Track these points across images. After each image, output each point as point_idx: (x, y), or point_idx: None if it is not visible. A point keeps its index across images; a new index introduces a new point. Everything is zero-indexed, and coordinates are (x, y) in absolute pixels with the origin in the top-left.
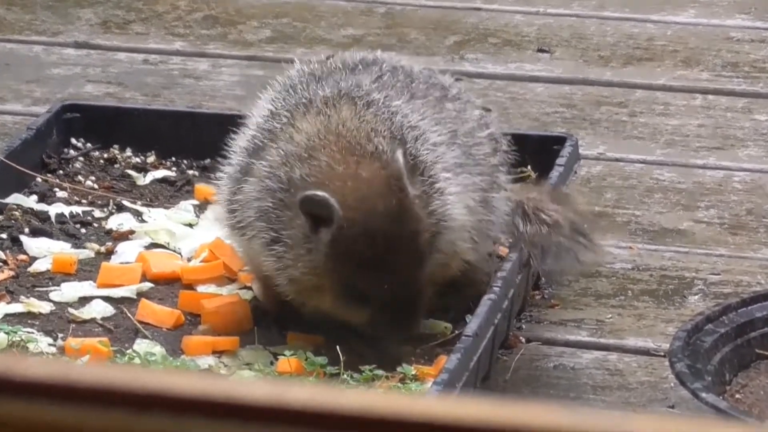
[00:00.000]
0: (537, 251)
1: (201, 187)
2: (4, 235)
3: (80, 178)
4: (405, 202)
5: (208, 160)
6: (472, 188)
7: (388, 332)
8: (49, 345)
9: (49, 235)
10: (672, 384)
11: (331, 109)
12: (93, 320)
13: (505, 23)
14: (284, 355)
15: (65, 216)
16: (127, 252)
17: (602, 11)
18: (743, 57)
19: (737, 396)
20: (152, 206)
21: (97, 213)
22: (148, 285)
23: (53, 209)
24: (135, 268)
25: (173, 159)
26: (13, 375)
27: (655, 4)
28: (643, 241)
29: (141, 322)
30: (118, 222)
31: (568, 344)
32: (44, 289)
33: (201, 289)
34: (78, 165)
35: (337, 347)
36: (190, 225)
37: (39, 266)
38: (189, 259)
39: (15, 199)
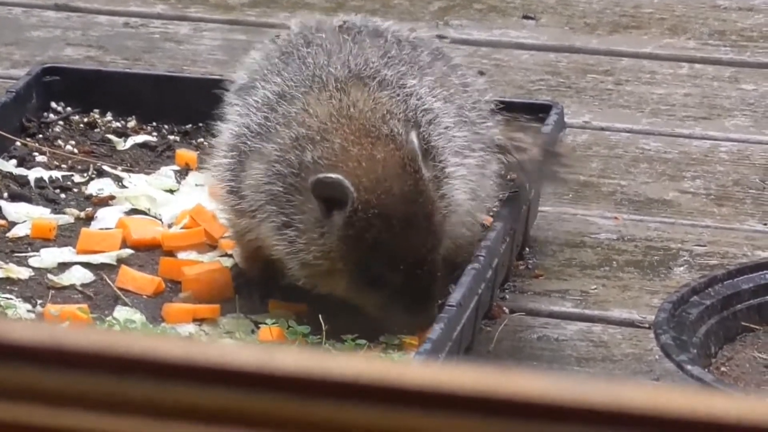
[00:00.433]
0: (524, 174)
1: (182, 153)
2: None
3: (60, 142)
4: (420, 185)
5: (189, 126)
6: (475, 170)
7: (403, 317)
8: (28, 311)
9: (29, 200)
10: (657, 356)
11: (342, 91)
12: (72, 286)
13: None
14: (266, 323)
15: (45, 181)
16: (107, 218)
17: None
18: (730, 25)
19: (722, 369)
20: (133, 171)
21: (77, 178)
22: (128, 251)
23: (32, 174)
24: (115, 234)
25: (154, 124)
26: (4, 339)
27: None
28: (629, 211)
29: (121, 289)
30: (98, 187)
31: (552, 315)
32: (23, 254)
33: (182, 255)
34: (58, 129)
35: (320, 316)
36: (171, 191)
37: (18, 231)
38: (170, 226)
39: None
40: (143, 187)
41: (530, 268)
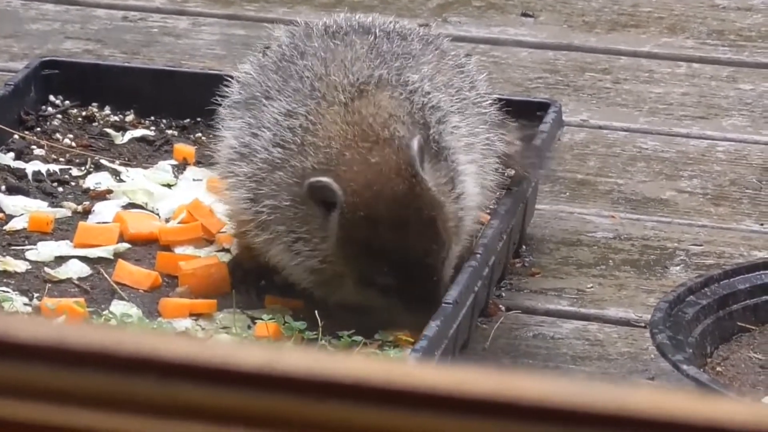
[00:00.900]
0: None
1: (180, 147)
2: None
3: (58, 135)
4: (416, 189)
5: (187, 120)
6: (480, 160)
7: (406, 319)
8: (25, 304)
9: (26, 193)
10: (652, 355)
11: (345, 100)
12: (69, 280)
13: None
14: (262, 319)
15: (42, 174)
16: (104, 212)
17: None
18: (729, 25)
19: (718, 369)
20: (130, 165)
21: (75, 171)
22: (125, 246)
23: (30, 167)
24: (112, 228)
25: (152, 118)
26: (4, 336)
27: None
28: (626, 210)
29: (118, 283)
30: (96, 181)
31: (548, 313)
32: (20, 247)
33: (179, 250)
34: (56, 122)
35: (316, 312)
36: (169, 185)
37: (15, 224)
38: (167, 220)
39: None
40: (141, 182)
41: (527, 266)
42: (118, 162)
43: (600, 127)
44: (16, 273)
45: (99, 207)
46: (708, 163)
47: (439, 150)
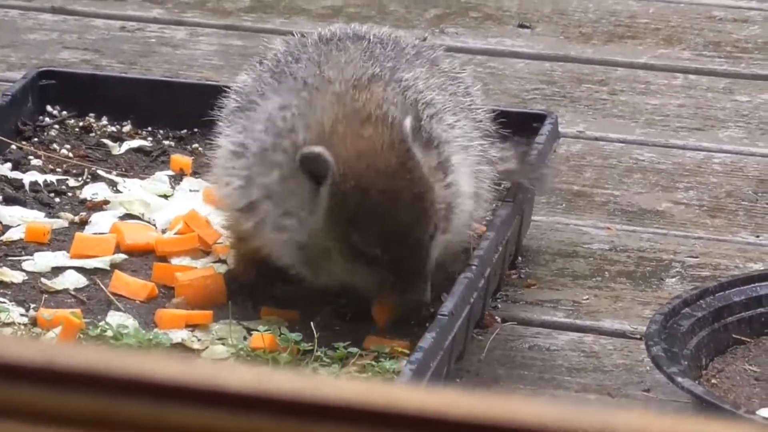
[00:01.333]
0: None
1: (177, 158)
2: None
3: (55, 146)
4: (408, 164)
5: (184, 131)
6: (473, 170)
7: (393, 295)
8: (21, 315)
9: (23, 204)
10: (648, 367)
11: (338, 90)
12: (66, 291)
13: None
14: (258, 330)
15: (39, 184)
16: (101, 222)
17: None
18: (725, 36)
19: (713, 381)
20: (127, 176)
21: (72, 182)
22: (121, 256)
23: (27, 177)
24: (109, 239)
25: (149, 129)
26: None
27: None
28: (622, 221)
29: (114, 294)
30: (93, 192)
31: (543, 325)
32: (17, 258)
33: (175, 261)
34: (53, 133)
35: (311, 323)
36: (165, 196)
37: (12, 235)
38: (163, 231)
39: None
40: (137, 192)
41: (522, 278)
42: (115, 172)
43: (596, 139)
44: (12, 283)
45: (96, 217)
46: (704, 175)
47: (430, 139)
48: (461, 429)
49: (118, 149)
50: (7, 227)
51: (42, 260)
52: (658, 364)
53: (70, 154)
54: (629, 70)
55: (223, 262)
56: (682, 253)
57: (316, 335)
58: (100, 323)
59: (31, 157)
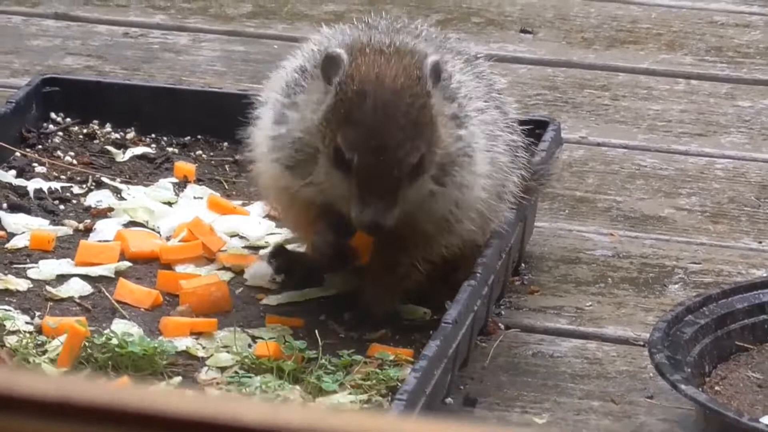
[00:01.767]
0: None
1: (181, 165)
2: None
3: (59, 153)
4: (415, 89)
5: (188, 138)
6: (500, 158)
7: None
8: (26, 323)
9: (27, 211)
10: (651, 374)
11: (382, 31)
12: (71, 299)
13: (488, 2)
14: (263, 338)
15: (44, 192)
16: (105, 230)
17: None
18: (727, 41)
19: (716, 388)
20: (131, 183)
21: (76, 189)
22: (126, 264)
23: (32, 184)
24: (113, 246)
25: (153, 135)
26: (14, 391)
27: None
28: (624, 227)
29: (119, 302)
30: (97, 199)
31: (547, 332)
32: (22, 265)
33: (179, 269)
34: (57, 140)
35: (316, 331)
36: (169, 203)
37: (17, 242)
38: (167, 239)
39: None
40: (141, 199)
41: (526, 284)
42: (119, 179)
43: (599, 144)
44: (17, 291)
45: (100, 225)
46: (706, 181)
47: (453, 96)
48: None
49: (121, 156)
50: (11, 235)
51: (47, 268)
52: (661, 371)
53: (74, 162)
54: (631, 76)
55: (228, 269)
56: (685, 259)
57: (320, 343)
58: (105, 331)
59: (35, 164)
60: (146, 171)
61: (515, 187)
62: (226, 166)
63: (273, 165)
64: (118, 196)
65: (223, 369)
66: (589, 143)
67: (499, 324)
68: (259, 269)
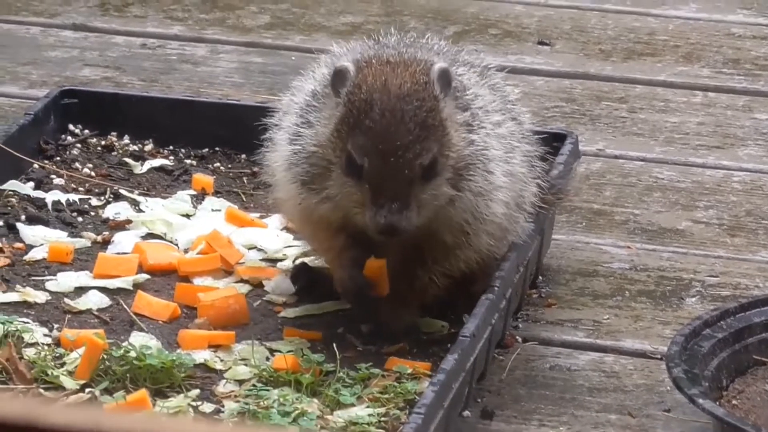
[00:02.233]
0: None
1: (199, 177)
2: (0, 222)
3: (77, 165)
4: (422, 93)
5: (206, 150)
6: (519, 169)
7: (381, 209)
8: (45, 335)
9: (46, 223)
10: (668, 387)
11: (392, 46)
12: (89, 311)
13: (505, 14)
14: (280, 351)
15: (62, 203)
16: (123, 242)
17: (603, 4)
18: (744, 54)
19: (734, 402)
20: (149, 195)
21: (94, 201)
22: (144, 276)
23: (50, 196)
24: (132, 259)
25: (171, 147)
26: (38, 422)
27: None
28: (642, 240)
29: (137, 314)
30: (115, 211)
31: (564, 345)
32: (40, 278)
33: (197, 281)
34: (75, 152)
35: (334, 344)
36: (187, 215)
37: (35, 254)
38: (186, 251)
39: (11, 185)
40: (159, 212)
41: (543, 297)
42: (137, 192)
43: (616, 157)
44: (36, 303)
45: (118, 237)
46: (724, 194)
47: (466, 106)
48: None
49: (139, 168)
50: (30, 247)
51: (65, 280)
52: (679, 385)
53: (93, 173)
54: (648, 88)
55: (246, 282)
56: (702, 272)
57: (338, 357)
58: (124, 344)
59: (53, 176)
60: (164, 183)
61: (533, 196)
62: (244, 179)
63: (291, 186)
64: (136, 208)
65: (241, 382)
66: (607, 156)
67: (517, 337)
68: (281, 283)
